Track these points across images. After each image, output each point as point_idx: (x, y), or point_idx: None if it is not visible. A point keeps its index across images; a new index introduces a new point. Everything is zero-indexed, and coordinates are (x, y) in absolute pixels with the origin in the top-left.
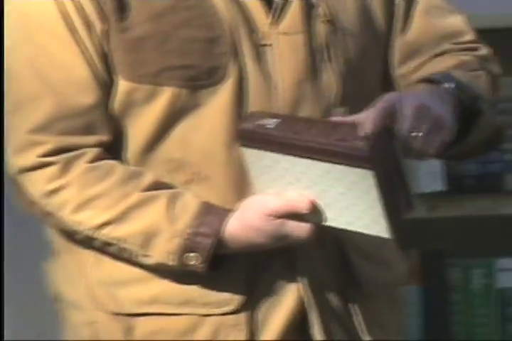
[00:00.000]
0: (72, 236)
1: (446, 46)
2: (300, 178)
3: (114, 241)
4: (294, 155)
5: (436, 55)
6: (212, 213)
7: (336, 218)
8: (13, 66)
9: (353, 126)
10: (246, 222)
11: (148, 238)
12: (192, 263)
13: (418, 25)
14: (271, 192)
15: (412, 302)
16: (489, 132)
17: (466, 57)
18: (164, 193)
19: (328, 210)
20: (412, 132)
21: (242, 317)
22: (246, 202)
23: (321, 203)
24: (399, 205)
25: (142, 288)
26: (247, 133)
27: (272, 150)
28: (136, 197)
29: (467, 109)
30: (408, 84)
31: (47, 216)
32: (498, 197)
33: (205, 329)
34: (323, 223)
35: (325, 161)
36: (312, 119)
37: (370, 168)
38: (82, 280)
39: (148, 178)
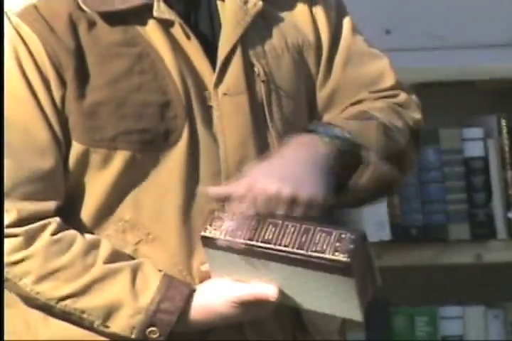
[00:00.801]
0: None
1: (363, 95)
2: (269, 274)
3: (76, 312)
4: (265, 260)
5: (352, 104)
6: (174, 288)
7: (304, 303)
8: None
9: (325, 230)
10: (210, 307)
11: (110, 312)
12: (152, 336)
13: (337, 77)
14: (234, 278)
15: None
16: (378, 181)
17: (378, 103)
18: (126, 266)
19: (296, 297)
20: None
21: None
22: (209, 285)
23: (289, 292)
24: (368, 290)
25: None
26: (212, 240)
27: (240, 255)
28: (98, 270)
29: (349, 158)
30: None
31: (12, 285)
32: (441, 247)
33: None
34: (289, 305)
35: (300, 267)
36: (280, 223)
37: (350, 276)
38: (29, 337)
39: (107, 249)
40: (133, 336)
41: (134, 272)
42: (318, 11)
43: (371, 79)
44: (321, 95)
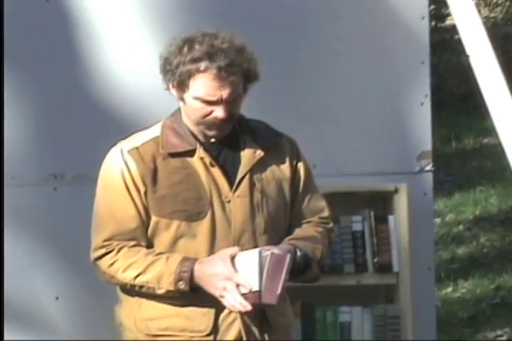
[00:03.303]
0: (125, 289)
1: (314, 218)
2: None
3: (144, 284)
4: None
5: (307, 222)
6: (188, 261)
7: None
8: (99, 207)
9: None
10: (206, 260)
11: (159, 279)
12: (181, 287)
13: (303, 204)
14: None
15: (297, 329)
16: (312, 276)
17: (320, 229)
18: (164, 255)
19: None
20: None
21: (211, 338)
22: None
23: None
24: (275, 285)
25: (161, 322)
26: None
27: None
28: (150, 259)
29: (303, 263)
30: (289, 230)
31: (111, 278)
32: (340, 276)
33: None
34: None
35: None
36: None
37: (261, 260)
38: (132, 316)
39: (157, 251)
40: (172, 288)
41: (168, 257)
42: (295, 164)
43: (319, 209)
44: (294, 209)
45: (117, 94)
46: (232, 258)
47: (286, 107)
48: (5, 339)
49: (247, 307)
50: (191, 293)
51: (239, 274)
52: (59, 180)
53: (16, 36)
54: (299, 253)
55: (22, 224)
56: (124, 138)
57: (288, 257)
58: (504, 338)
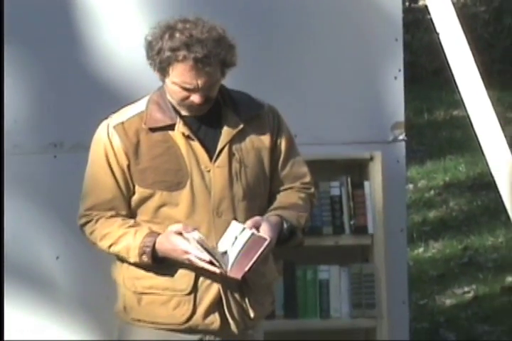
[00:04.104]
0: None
1: (296, 184)
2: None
3: (116, 253)
4: None
5: (290, 188)
6: (151, 236)
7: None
8: (85, 178)
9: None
10: (163, 236)
11: (127, 250)
12: (145, 260)
13: (285, 170)
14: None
15: (279, 286)
16: (297, 242)
17: (302, 195)
18: (133, 229)
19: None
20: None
21: (191, 297)
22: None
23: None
24: (247, 261)
25: (145, 281)
26: None
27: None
28: (121, 231)
29: (289, 232)
30: (272, 199)
31: (94, 244)
32: (319, 238)
33: (173, 302)
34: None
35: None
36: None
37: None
38: (121, 274)
39: (130, 222)
40: (137, 260)
41: (136, 231)
42: (275, 133)
43: (301, 175)
44: (277, 176)
45: (113, 68)
46: (181, 233)
47: (266, 79)
48: (9, 315)
49: (216, 271)
50: (155, 265)
51: (195, 248)
52: (58, 149)
53: (19, 14)
54: (285, 225)
55: (24, 190)
56: (115, 112)
57: (266, 243)
58: (471, 294)
